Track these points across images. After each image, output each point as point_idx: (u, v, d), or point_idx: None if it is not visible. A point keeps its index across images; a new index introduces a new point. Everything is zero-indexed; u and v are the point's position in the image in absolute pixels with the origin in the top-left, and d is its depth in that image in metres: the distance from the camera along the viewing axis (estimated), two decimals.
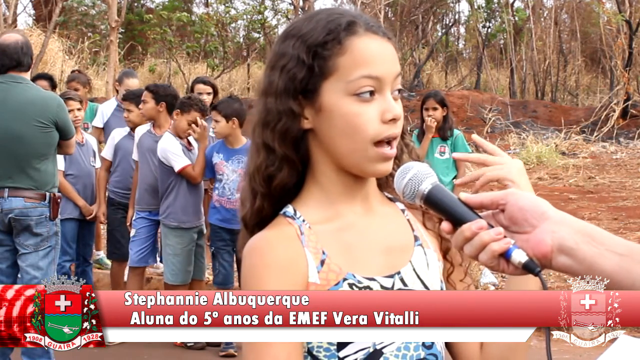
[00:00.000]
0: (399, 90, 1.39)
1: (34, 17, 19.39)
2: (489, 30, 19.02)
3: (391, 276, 1.39)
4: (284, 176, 1.40)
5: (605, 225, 8.72)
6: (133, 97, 6.29)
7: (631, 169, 11.97)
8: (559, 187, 10.91)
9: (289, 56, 1.38)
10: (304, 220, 1.40)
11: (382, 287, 1.38)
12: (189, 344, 5.68)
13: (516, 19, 18.54)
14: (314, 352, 1.35)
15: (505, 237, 1.19)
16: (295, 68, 1.37)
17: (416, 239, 1.45)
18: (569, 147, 13.27)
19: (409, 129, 1.55)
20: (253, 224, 1.43)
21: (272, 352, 1.29)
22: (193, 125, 5.64)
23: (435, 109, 6.33)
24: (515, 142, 13.35)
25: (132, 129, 6.29)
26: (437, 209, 1.26)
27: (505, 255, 1.19)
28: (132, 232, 5.99)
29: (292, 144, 1.39)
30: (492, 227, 1.21)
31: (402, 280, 1.40)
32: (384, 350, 1.35)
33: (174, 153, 5.66)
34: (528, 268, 1.18)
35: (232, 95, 6.26)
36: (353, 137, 1.35)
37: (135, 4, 20.64)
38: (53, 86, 6.73)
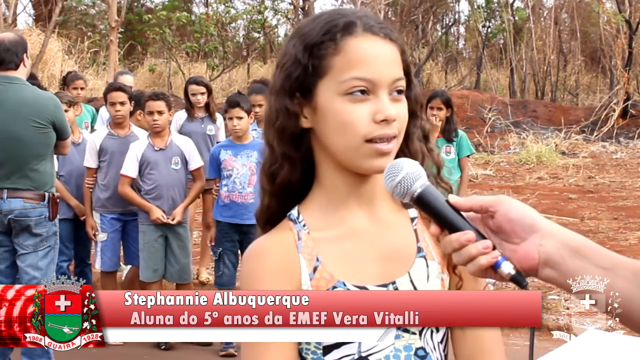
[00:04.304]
0: (400, 91, 1.36)
1: (34, 17, 19.39)
2: (489, 30, 19.01)
3: (384, 285, 1.37)
4: (285, 174, 1.40)
5: (605, 224, 8.72)
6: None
7: (631, 169, 11.97)
8: (559, 187, 10.92)
9: (288, 55, 1.39)
10: (304, 226, 1.40)
11: None
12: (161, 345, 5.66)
13: (516, 18, 18.54)
14: (303, 354, 1.35)
15: (494, 248, 1.19)
16: (292, 67, 1.38)
17: (419, 250, 1.42)
18: (569, 147, 13.27)
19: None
20: (263, 221, 1.45)
21: (270, 356, 1.30)
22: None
23: (440, 108, 6.27)
24: (515, 142, 13.36)
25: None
26: (427, 211, 1.25)
27: (493, 267, 1.19)
28: (104, 237, 5.88)
29: (290, 142, 1.40)
30: (481, 235, 1.20)
31: (396, 290, 1.37)
32: (369, 358, 1.34)
33: (126, 158, 5.69)
34: (516, 281, 1.19)
35: (240, 92, 6.26)
36: (344, 135, 1.34)
37: (135, 4, 20.62)
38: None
